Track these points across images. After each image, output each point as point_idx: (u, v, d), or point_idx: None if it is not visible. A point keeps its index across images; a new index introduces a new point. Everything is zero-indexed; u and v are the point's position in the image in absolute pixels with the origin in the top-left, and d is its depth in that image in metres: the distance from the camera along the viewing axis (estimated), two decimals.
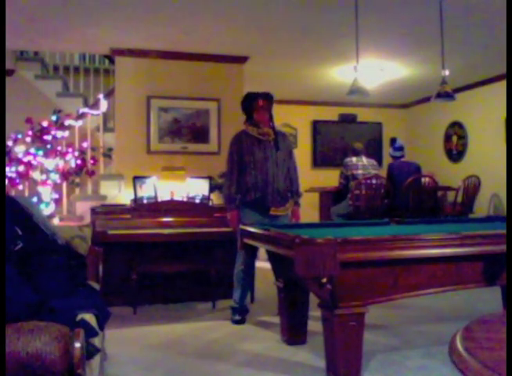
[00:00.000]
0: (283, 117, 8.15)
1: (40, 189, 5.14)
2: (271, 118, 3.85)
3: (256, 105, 3.78)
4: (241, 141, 3.80)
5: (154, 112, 5.60)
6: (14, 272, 1.85)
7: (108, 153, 5.86)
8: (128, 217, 4.26)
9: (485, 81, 7.06)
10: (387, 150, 8.69)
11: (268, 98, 3.82)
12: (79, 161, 5.39)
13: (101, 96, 5.71)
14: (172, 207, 4.41)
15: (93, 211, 4.27)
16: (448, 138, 8.05)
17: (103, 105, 5.65)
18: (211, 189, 4.69)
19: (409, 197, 5.62)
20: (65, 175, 5.30)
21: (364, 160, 6.08)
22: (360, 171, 5.92)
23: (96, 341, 1.83)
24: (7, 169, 5.12)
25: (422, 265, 2.61)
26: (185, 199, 4.67)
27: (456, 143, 7.89)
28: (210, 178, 4.75)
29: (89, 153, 5.56)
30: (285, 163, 3.86)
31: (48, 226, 2.58)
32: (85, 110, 5.73)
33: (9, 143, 5.25)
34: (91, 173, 5.44)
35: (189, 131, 5.70)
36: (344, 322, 2.48)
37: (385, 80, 6.84)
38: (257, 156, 3.75)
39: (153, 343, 3.30)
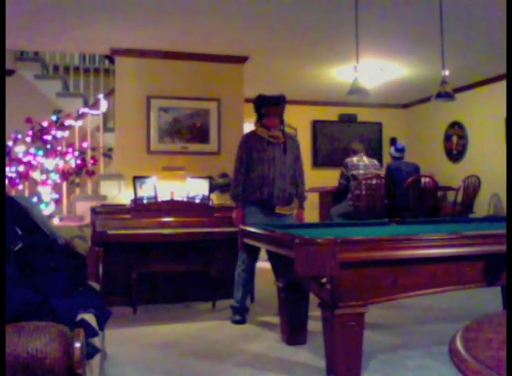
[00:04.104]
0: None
1: (40, 189, 5.14)
2: (282, 122, 3.87)
3: (267, 111, 3.81)
4: (250, 141, 3.85)
5: (154, 112, 5.60)
6: (14, 272, 1.85)
7: (108, 153, 5.86)
8: (127, 217, 4.25)
9: (485, 81, 7.06)
10: (387, 150, 8.70)
11: (279, 103, 3.86)
12: (79, 161, 5.39)
13: (101, 96, 5.71)
14: (172, 207, 4.41)
15: (93, 211, 4.27)
16: (448, 138, 8.05)
17: (103, 105, 5.66)
18: (211, 189, 4.68)
19: (409, 197, 5.62)
20: (65, 175, 5.30)
21: (365, 159, 6.05)
22: (361, 171, 5.90)
23: (96, 341, 1.83)
24: (7, 169, 5.12)
25: (422, 265, 2.60)
26: (185, 199, 4.66)
27: (456, 143, 7.89)
28: (210, 178, 4.75)
29: (89, 153, 5.57)
30: (292, 166, 3.89)
31: (48, 226, 2.58)
32: (85, 110, 5.73)
33: (9, 143, 5.25)
34: (91, 173, 5.44)
35: (189, 131, 5.70)
36: (344, 322, 2.48)
37: (385, 80, 6.85)
38: (266, 157, 3.79)
39: (153, 343, 3.30)
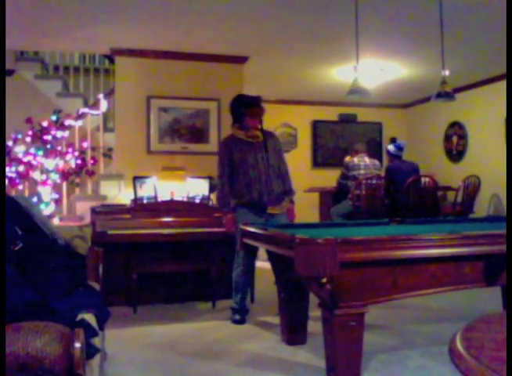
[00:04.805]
0: (283, 117, 8.16)
1: (40, 189, 5.14)
2: (260, 122, 3.85)
3: (251, 111, 3.78)
4: (230, 146, 3.82)
5: (154, 112, 5.60)
6: (14, 273, 1.85)
7: (108, 153, 5.86)
8: (127, 217, 4.26)
9: (485, 81, 7.06)
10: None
11: (260, 104, 3.83)
12: (79, 161, 5.39)
13: (101, 96, 5.71)
14: (172, 207, 4.41)
15: (93, 211, 4.27)
16: (448, 138, 8.05)
17: (103, 105, 5.65)
18: (211, 189, 4.68)
19: (409, 197, 5.61)
20: (65, 175, 5.30)
21: (367, 159, 6.05)
22: (362, 171, 5.90)
23: (96, 341, 1.83)
24: (7, 169, 5.12)
25: (422, 265, 2.60)
26: (185, 199, 4.67)
27: (456, 143, 7.88)
28: (210, 178, 4.74)
29: (89, 153, 5.56)
30: (276, 162, 3.86)
31: (48, 226, 2.58)
32: (85, 110, 5.73)
33: (9, 143, 5.24)
34: (91, 173, 5.44)
35: (189, 131, 5.70)
36: (344, 322, 2.48)
37: (385, 80, 6.84)
38: (248, 159, 3.77)
39: (153, 343, 3.30)
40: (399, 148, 6.03)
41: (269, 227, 3.12)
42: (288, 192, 3.93)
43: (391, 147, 6.12)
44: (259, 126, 3.83)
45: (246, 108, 3.79)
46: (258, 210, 3.76)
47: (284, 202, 3.89)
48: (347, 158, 6.31)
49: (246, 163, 3.76)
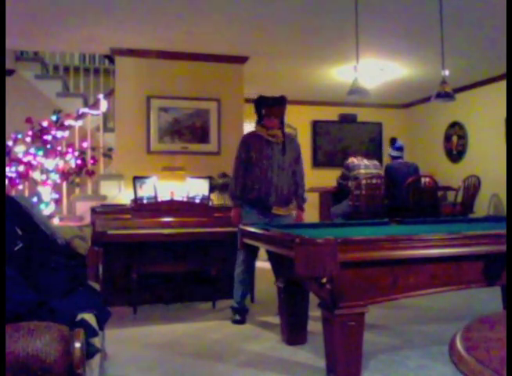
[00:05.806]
0: None
1: (40, 189, 5.14)
2: (281, 122, 3.90)
3: (266, 111, 3.83)
4: (250, 140, 3.88)
5: (154, 112, 5.60)
6: (14, 272, 1.85)
7: (108, 153, 5.86)
8: (127, 217, 4.25)
9: (485, 81, 7.07)
10: (387, 150, 8.69)
11: (278, 104, 3.87)
12: (79, 161, 5.39)
13: (101, 96, 5.71)
14: (172, 207, 4.41)
15: (93, 211, 4.27)
16: (448, 138, 8.05)
17: (103, 105, 5.65)
18: (211, 189, 4.69)
19: (409, 197, 5.61)
20: (65, 175, 5.30)
21: (366, 161, 6.08)
22: (362, 171, 5.91)
23: (96, 341, 1.83)
24: (7, 169, 5.12)
25: (422, 265, 2.60)
26: (185, 199, 4.66)
27: (456, 143, 7.89)
28: (210, 178, 4.75)
29: (89, 153, 5.57)
30: (290, 166, 3.89)
31: (48, 226, 2.58)
32: (85, 110, 5.73)
33: (9, 143, 5.25)
34: (91, 173, 5.44)
35: (189, 131, 5.70)
36: (344, 322, 2.48)
37: (385, 80, 6.85)
38: (264, 156, 3.80)
39: (153, 343, 3.30)
40: (398, 148, 6.05)
41: (270, 227, 3.12)
42: (299, 198, 3.95)
43: (390, 151, 6.17)
44: (280, 126, 3.88)
45: (263, 108, 3.84)
46: (263, 209, 3.79)
47: (291, 205, 3.91)
48: (350, 160, 6.32)
49: (261, 160, 3.80)
